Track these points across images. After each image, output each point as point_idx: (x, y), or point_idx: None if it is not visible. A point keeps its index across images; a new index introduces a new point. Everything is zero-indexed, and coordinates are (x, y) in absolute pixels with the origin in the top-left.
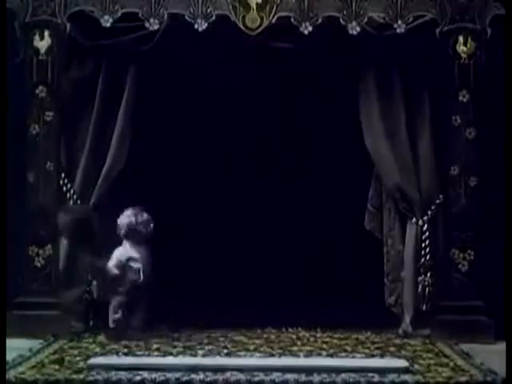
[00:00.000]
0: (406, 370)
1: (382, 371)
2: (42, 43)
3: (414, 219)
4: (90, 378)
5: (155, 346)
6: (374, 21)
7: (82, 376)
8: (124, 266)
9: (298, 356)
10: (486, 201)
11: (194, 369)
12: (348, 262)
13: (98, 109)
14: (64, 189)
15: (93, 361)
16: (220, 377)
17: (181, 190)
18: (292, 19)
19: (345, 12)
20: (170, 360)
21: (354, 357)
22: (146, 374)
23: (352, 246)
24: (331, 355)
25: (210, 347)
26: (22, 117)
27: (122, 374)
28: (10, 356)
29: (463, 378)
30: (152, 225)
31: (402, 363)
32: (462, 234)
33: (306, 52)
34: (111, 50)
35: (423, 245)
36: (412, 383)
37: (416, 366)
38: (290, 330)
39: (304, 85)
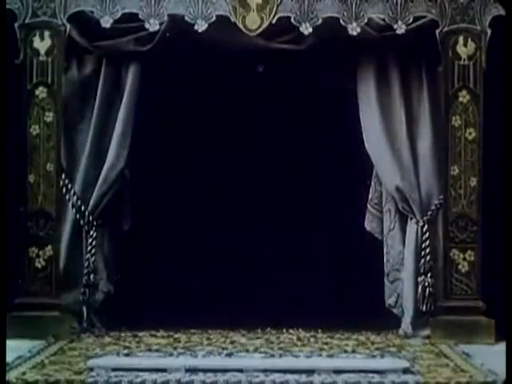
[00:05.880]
0: (406, 371)
1: (382, 372)
2: (42, 44)
3: (414, 219)
4: (91, 379)
5: (155, 347)
6: (373, 22)
7: (82, 377)
8: None
9: (299, 357)
10: (486, 201)
11: (195, 370)
12: (348, 262)
13: (98, 109)
14: (64, 189)
15: (93, 362)
16: (220, 378)
17: (179, 191)
18: (292, 20)
19: (345, 13)
20: (170, 361)
21: (354, 357)
22: (146, 375)
23: (352, 247)
24: (331, 356)
25: (210, 348)
26: (22, 118)
27: (123, 375)
28: (10, 357)
29: (463, 379)
30: None
31: (402, 364)
32: (461, 235)
33: (306, 52)
34: (111, 51)
35: (423, 245)
36: None
37: (416, 367)
38: (291, 330)
39: (304, 86)
